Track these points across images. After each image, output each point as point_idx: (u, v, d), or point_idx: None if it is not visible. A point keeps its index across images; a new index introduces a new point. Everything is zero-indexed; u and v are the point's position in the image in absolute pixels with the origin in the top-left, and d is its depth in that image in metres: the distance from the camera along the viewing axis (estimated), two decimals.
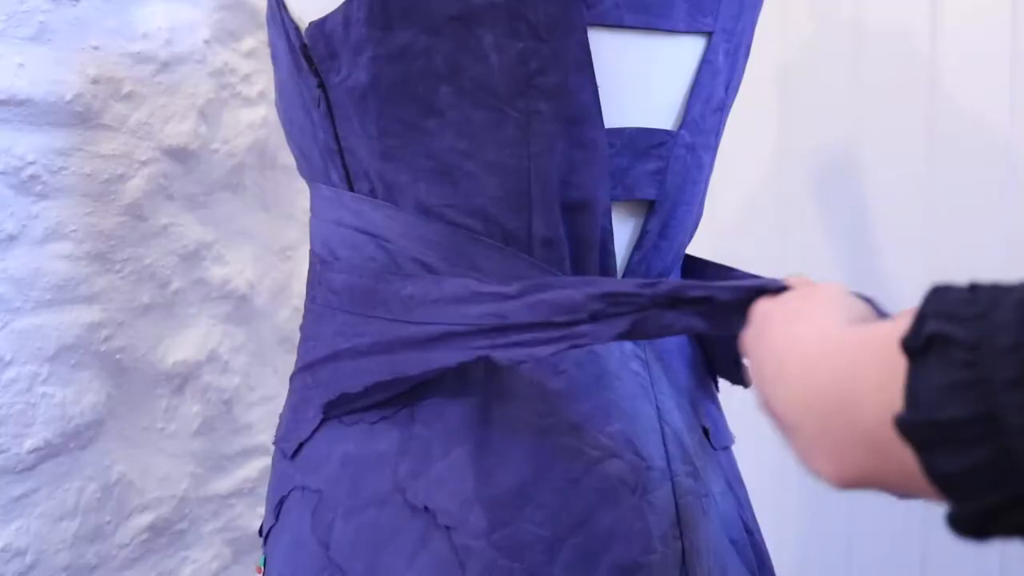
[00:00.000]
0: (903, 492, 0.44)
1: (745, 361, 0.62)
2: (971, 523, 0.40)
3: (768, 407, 0.55)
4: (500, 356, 0.72)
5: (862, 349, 0.45)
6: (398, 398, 0.78)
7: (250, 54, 1.44)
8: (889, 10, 1.59)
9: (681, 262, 0.92)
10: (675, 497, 0.81)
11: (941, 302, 0.41)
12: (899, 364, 0.42)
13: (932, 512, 1.57)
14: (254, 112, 1.45)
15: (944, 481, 0.39)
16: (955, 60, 1.53)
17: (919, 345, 0.41)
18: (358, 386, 0.77)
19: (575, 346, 0.71)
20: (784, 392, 0.51)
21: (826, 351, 0.48)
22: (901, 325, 0.43)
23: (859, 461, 0.45)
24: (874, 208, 1.62)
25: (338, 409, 0.80)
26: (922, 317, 0.42)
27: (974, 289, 0.41)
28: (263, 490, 1.48)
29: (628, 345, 0.82)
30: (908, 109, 1.57)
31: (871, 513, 1.64)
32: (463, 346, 0.74)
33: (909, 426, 0.40)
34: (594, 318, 0.70)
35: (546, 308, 0.72)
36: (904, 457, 0.41)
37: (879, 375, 0.43)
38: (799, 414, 0.49)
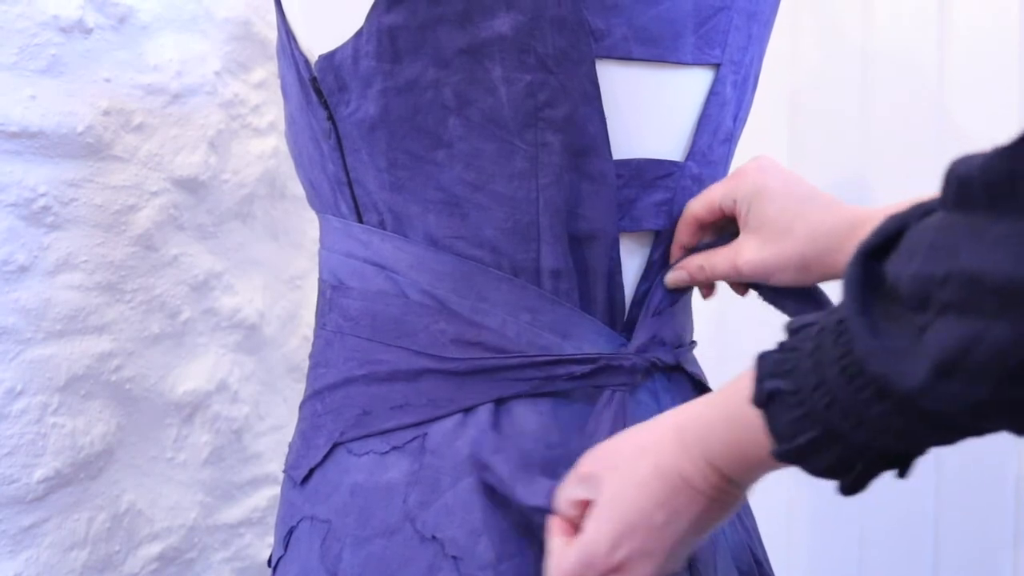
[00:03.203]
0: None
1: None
2: (851, 487, 0.55)
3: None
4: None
5: (725, 422, 0.62)
6: (409, 428, 0.78)
7: (260, 85, 1.45)
8: (898, 37, 1.59)
9: (690, 292, 0.92)
10: None
11: (767, 363, 0.56)
12: (751, 416, 0.58)
13: (942, 551, 1.56)
14: (264, 143, 1.46)
15: (823, 474, 0.55)
16: (964, 86, 1.53)
17: (763, 399, 0.56)
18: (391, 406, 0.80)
19: None
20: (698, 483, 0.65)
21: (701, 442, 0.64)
22: (742, 389, 0.59)
23: (756, 473, 0.62)
24: None
25: (359, 430, 0.80)
26: (760, 379, 0.56)
27: (781, 349, 0.56)
28: (272, 519, 1.48)
29: (636, 376, 0.82)
30: (917, 135, 1.57)
31: (881, 544, 1.64)
32: (517, 377, 0.78)
33: (783, 455, 0.56)
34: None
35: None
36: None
37: (748, 430, 0.59)
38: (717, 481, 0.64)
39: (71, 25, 1.13)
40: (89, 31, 1.15)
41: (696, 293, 0.91)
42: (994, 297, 0.41)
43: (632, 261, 0.83)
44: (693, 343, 0.91)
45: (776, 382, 0.55)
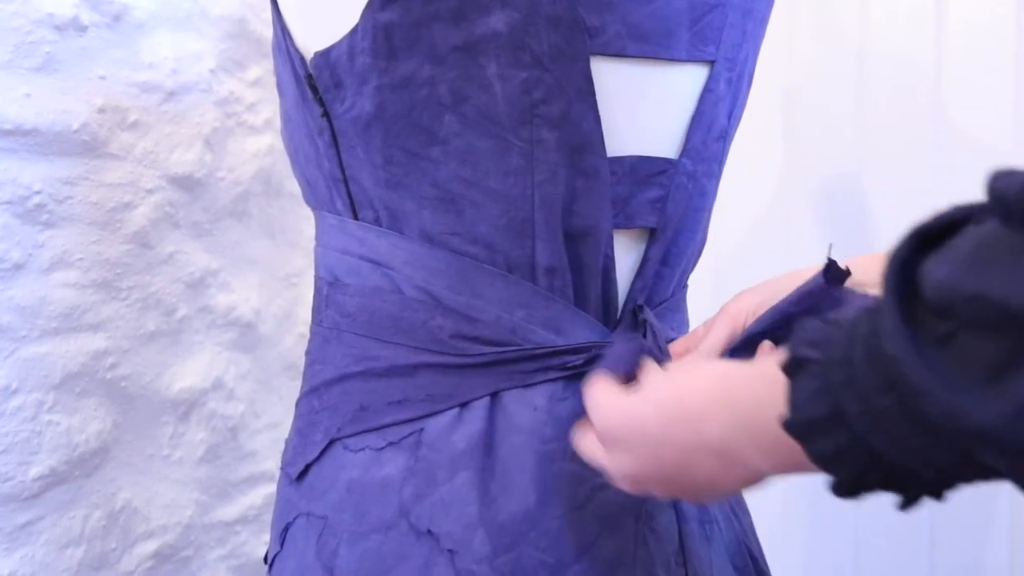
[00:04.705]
0: (806, 471, 0.56)
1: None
2: (845, 488, 0.53)
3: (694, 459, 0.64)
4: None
5: (758, 379, 0.59)
6: (406, 424, 0.78)
7: (255, 83, 1.45)
8: (893, 34, 1.60)
9: (685, 289, 0.92)
10: (679, 524, 0.81)
11: (804, 333, 0.54)
12: (783, 382, 0.55)
13: (937, 550, 1.56)
14: (259, 140, 1.46)
15: (821, 461, 0.52)
16: (959, 83, 1.54)
17: (792, 367, 0.54)
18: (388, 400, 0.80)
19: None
20: (713, 432, 0.62)
21: (729, 394, 0.61)
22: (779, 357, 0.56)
23: (778, 457, 0.57)
24: (880, 232, 1.63)
25: (356, 426, 0.80)
26: (793, 345, 0.54)
27: (826, 322, 0.54)
28: (268, 517, 1.48)
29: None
30: (913, 133, 1.58)
31: (876, 538, 1.64)
32: (513, 370, 0.78)
33: (790, 425, 0.53)
34: None
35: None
36: (797, 447, 0.54)
37: (773, 393, 0.55)
38: (732, 442, 0.60)
39: (66, 23, 1.13)
40: (84, 29, 1.15)
41: (694, 290, 0.91)
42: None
43: (626, 258, 0.83)
44: None
45: (808, 350, 0.53)
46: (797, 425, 0.53)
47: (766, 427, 0.57)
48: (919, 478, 0.51)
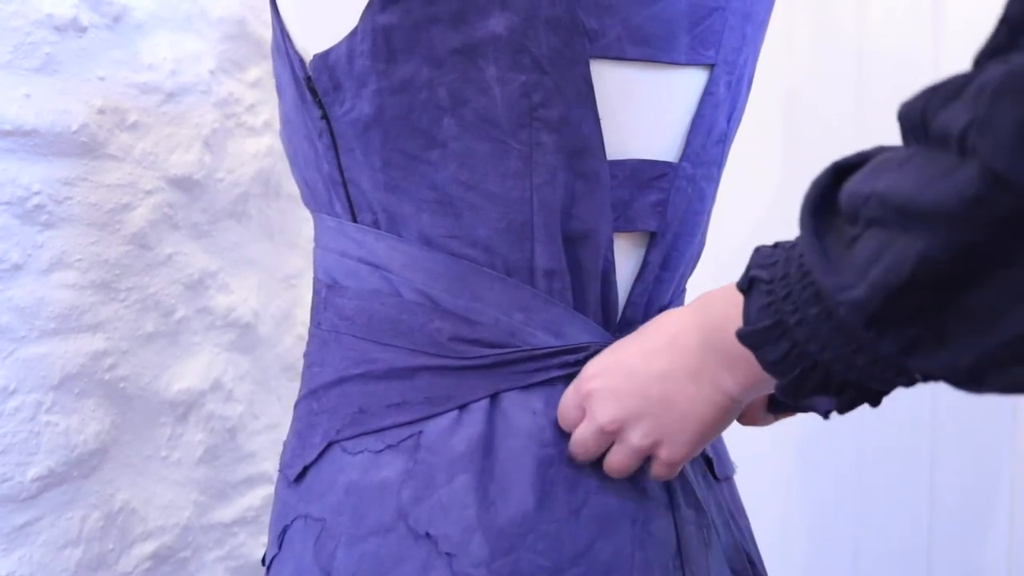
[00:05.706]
0: (766, 386, 0.67)
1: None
2: (787, 390, 0.61)
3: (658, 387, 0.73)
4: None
5: (727, 300, 0.67)
6: (405, 427, 0.78)
7: (255, 84, 1.45)
8: (893, 33, 1.60)
9: (683, 294, 0.92)
10: (676, 528, 0.81)
11: (758, 256, 0.63)
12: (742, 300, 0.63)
13: (935, 552, 1.56)
14: (259, 142, 1.46)
15: (770, 367, 0.61)
16: None
17: (746, 285, 0.63)
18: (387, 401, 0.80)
19: None
20: (688, 354, 0.71)
21: (702, 316, 0.71)
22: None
23: (740, 371, 0.67)
24: None
25: (355, 428, 0.80)
26: (748, 268, 0.63)
27: (775, 245, 0.62)
28: (266, 519, 1.48)
29: None
30: None
31: (876, 542, 1.64)
32: (512, 371, 0.78)
33: (743, 336, 0.62)
34: None
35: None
36: (754, 360, 0.62)
37: (737, 309, 0.64)
38: (704, 362, 0.70)
39: (66, 24, 1.13)
40: (84, 29, 1.15)
41: (693, 294, 0.91)
42: (899, 215, 0.47)
43: (627, 261, 0.83)
44: None
45: (759, 271, 0.62)
46: (749, 336, 0.61)
47: (731, 343, 0.65)
48: (850, 381, 0.58)
